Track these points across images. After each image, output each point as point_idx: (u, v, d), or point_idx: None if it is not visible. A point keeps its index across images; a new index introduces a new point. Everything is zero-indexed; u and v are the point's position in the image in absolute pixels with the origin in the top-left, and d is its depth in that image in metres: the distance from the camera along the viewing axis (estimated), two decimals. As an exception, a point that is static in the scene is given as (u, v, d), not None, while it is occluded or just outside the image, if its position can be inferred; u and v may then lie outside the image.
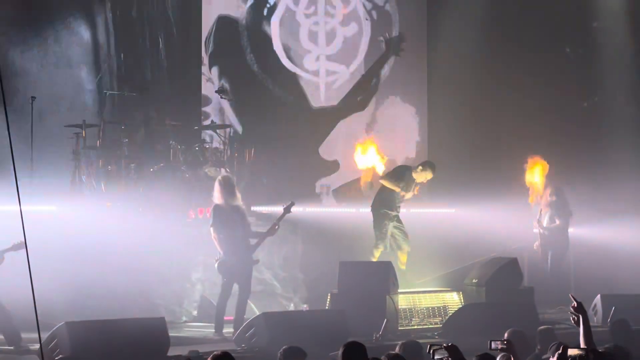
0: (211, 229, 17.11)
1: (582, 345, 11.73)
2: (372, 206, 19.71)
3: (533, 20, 24.32)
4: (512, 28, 24.33)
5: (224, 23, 23.70)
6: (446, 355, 10.47)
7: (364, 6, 25.00)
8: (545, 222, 21.86)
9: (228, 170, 20.55)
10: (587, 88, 25.21)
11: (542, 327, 14.86)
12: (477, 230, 22.42)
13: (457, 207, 23.27)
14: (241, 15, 23.88)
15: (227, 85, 21.60)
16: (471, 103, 23.91)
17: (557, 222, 21.77)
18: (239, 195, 17.29)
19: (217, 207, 17.10)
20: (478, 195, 22.92)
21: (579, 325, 11.82)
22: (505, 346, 11.29)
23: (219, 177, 17.65)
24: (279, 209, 17.83)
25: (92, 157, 20.13)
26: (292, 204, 17.66)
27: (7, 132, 9.26)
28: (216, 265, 17.21)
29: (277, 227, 17.39)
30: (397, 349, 11.23)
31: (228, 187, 17.10)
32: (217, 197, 17.14)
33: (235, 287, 17.15)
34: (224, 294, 17.14)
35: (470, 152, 23.96)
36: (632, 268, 22.09)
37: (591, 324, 18.31)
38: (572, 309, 11.31)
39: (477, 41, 24.02)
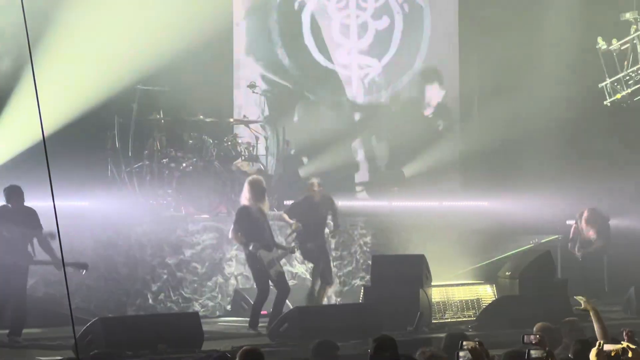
0: (231, 229, 17.17)
1: (599, 337, 11.75)
2: None
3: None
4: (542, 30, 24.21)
5: (255, 16, 23.71)
6: (469, 357, 10.48)
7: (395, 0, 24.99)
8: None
9: (262, 164, 20.60)
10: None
11: (567, 319, 14.85)
12: (509, 222, 22.43)
13: (490, 199, 23.23)
14: (272, 9, 23.87)
15: (257, 80, 21.56)
16: (504, 95, 23.80)
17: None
18: (267, 200, 17.32)
19: (242, 209, 17.09)
20: (511, 187, 22.94)
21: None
22: (538, 340, 11.30)
23: (249, 179, 17.60)
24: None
25: (126, 152, 20.15)
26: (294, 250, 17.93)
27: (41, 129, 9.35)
28: (246, 258, 17.35)
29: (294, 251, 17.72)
30: (442, 341, 11.19)
31: (257, 190, 17.08)
32: (244, 197, 17.14)
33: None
34: (259, 296, 17.18)
35: (503, 144, 23.83)
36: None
37: (625, 315, 18.51)
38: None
39: (508, 37, 23.93)
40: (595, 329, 12.40)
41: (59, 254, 15.18)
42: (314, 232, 17.55)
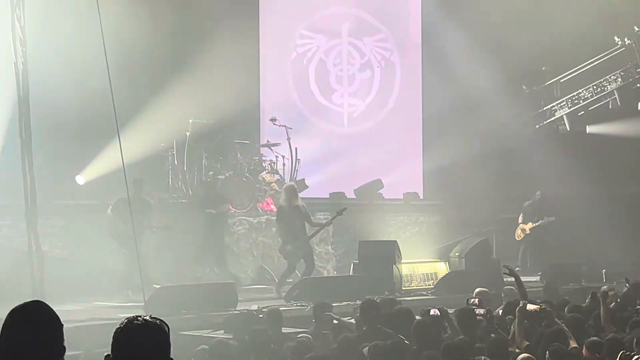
0: (277, 224, 17.30)
1: (519, 297, 11.76)
2: None
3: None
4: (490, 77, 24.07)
5: (276, 70, 23.74)
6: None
7: (375, 57, 24.96)
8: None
9: (280, 175, 20.58)
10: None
11: (506, 287, 14.85)
12: (458, 217, 22.41)
13: (444, 200, 23.18)
14: (288, 64, 23.90)
15: (277, 115, 21.56)
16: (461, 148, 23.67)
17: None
18: (299, 198, 17.35)
19: (280, 208, 17.23)
20: (460, 191, 22.93)
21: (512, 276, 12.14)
22: (478, 301, 11.34)
23: (285, 186, 17.83)
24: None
25: (182, 167, 20.14)
26: (345, 209, 17.77)
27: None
28: (279, 250, 17.36)
29: (329, 224, 17.58)
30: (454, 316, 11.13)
31: (290, 193, 17.18)
32: (281, 199, 17.27)
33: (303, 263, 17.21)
34: (287, 271, 17.18)
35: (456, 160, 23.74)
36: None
37: (541, 284, 18.42)
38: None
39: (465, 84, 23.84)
40: (517, 291, 12.41)
41: None
42: (300, 232, 17.37)
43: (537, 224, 22.48)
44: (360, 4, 24.80)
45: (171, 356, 3.98)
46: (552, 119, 25.00)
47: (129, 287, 16.24)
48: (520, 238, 22.93)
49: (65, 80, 18.20)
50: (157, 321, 3.98)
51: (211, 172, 19.91)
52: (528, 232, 22.69)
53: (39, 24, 15.56)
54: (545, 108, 25.10)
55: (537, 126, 25.12)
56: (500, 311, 13.01)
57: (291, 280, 17.40)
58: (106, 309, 15.07)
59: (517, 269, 16.98)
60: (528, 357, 8.33)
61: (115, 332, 3.95)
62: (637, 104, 24.83)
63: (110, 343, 3.95)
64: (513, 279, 12.48)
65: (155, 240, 17.95)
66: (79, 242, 17.74)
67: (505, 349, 9.59)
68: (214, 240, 18.67)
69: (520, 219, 23.00)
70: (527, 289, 12.60)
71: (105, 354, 3.93)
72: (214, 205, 18.50)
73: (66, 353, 4.22)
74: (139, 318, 3.97)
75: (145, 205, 17.46)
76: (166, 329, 3.98)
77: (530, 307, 10.81)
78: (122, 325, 3.95)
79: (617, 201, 23.49)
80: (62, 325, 4.08)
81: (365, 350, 9.19)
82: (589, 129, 25.26)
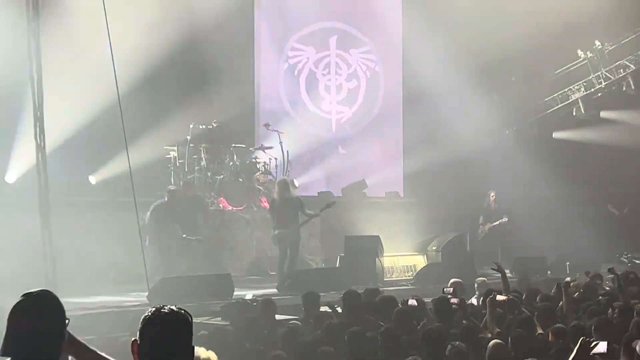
0: (269, 214, 17.26)
1: (503, 290, 11.78)
2: None
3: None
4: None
5: (269, 79, 23.71)
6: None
7: (361, 68, 24.95)
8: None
9: (273, 176, 20.54)
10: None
11: (478, 278, 14.86)
12: (436, 215, 22.40)
13: (425, 199, 23.15)
14: (280, 75, 23.89)
15: (271, 121, 21.54)
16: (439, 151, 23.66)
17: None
18: (292, 190, 17.34)
19: (272, 200, 17.21)
20: (439, 192, 22.93)
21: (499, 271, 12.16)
22: (452, 291, 11.35)
23: (278, 180, 17.84)
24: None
25: (183, 167, 20.09)
26: (334, 202, 17.74)
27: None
28: (271, 236, 17.30)
29: (319, 214, 17.51)
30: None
31: (282, 186, 17.16)
32: (274, 192, 17.28)
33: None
34: (280, 258, 17.13)
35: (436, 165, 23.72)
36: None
37: (511, 275, 18.41)
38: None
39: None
40: (502, 284, 12.45)
41: None
42: (290, 221, 17.29)
43: (494, 223, 22.28)
44: (346, 19, 24.78)
45: None
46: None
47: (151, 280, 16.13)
48: (480, 238, 22.64)
49: (76, 88, 18.15)
50: (182, 311, 3.98)
51: (209, 173, 19.87)
52: (487, 231, 22.44)
53: (53, 35, 15.57)
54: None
55: (507, 132, 25.14)
56: (475, 300, 13.04)
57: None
58: (114, 298, 15.01)
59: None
60: (498, 342, 8.31)
61: (143, 320, 3.94)
62: (599, 112, 24.91)
63: (138, 329, 3.96)
64: (484, 271, 12.50)
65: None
66: (89, 237, 17.66)
67: (476, 335, 9.59)
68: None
69: (481, 220, 22.73)
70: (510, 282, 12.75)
71: (133, 339, 3.91)
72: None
73: (82, 337, 4.23)
74: (166, 307, 3.97)
75: (176, 212, 17.48)
76: (189, 318, 3.97)
77: (499, 297, 10.85)
78: (150, 314, 3.94)
79: (581, 202, 23.53)
80: (63, 312, 4.07)
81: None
82: (555, 135, 25.32)
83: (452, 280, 13.41)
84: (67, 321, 4.17)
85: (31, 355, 3.98)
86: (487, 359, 8.11)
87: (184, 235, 17.44)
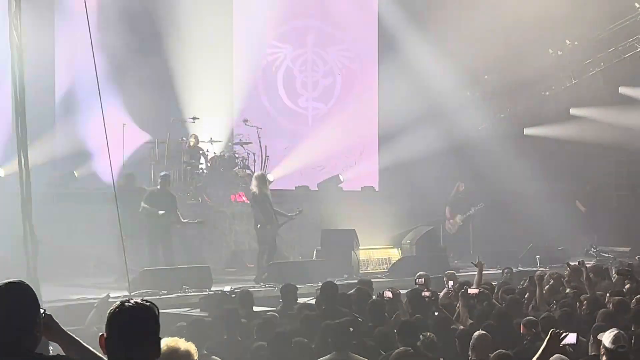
0: (252, 207, 17.16)
1: (475, 285, 11.84)
2: None
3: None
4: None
5: (248, 76, 23.70)
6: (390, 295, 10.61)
7: (337, 65, 24.98)
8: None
9: (251, 170, 20.51)
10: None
11: (448, 271, 14.90)
12: (409, 208, 22.43)
13: (399, 195, 23.17)
14: (258, 71, 23.88)
15: (249, 116, 21.50)
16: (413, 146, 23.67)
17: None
18: (268, 187, 17.25)
19: (253, 194, 17.11)
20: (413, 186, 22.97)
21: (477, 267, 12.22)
22: (423, 282, 11.44)
23: (256, 174, 17.68)
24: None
25: (163, 161, 20.03)
26: (301, 210, 17.72)
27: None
28: (255, 230, 17.23)
29: (293, 218, 17.47)
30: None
31: (260, 181, 17.05)
32: (253, 186, 17.15)
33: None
34: (260, 252, 17.08)
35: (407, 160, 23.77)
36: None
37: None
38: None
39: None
40: (475, 277, 12.51)
41: None
42: (271, 215, 17.22)
43: (468, 213, 22.21)
44: (323, 17, 24.78)
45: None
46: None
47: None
48: (454, 231, 22.43)
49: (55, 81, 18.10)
50: (148, 303, 3.99)
51: (189, 167, 19.82)
52: (461, 223, 22.30)
53: (33, 31, 15.47)
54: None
55: (479, 128, 25.19)
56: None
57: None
58: (95, 289, 14.92)
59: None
60: (482, 333, 8.34)
61: (109, 313, 3.95)
62: (569, 109, 25.05)
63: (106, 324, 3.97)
64: (457, 264, 12.52)
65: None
66: (70, 229, 17.58)
67: (448, 326, 9.64)
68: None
69: (447, 214, 22.51)
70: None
71: (100, 333, 3.93)
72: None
73: (70, 328, 4.26)
74: (131, 300, 3.98)
75: (172, 199, 17.20)
76: (156, 310, 3.97)
77: (471, 290, 10.90)
78: (115, 307, 3.95)
79: (552, 196, 23.62)
80: (35, 300, 4.15)
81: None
82: (526, 131, 25.42)
83: (418, 274, 13.49)
84: (42, 311, 4.19)
85: (4, 344, 4.01)
86: (470, 349, 8.14)
87: (185, 220, 17.31)
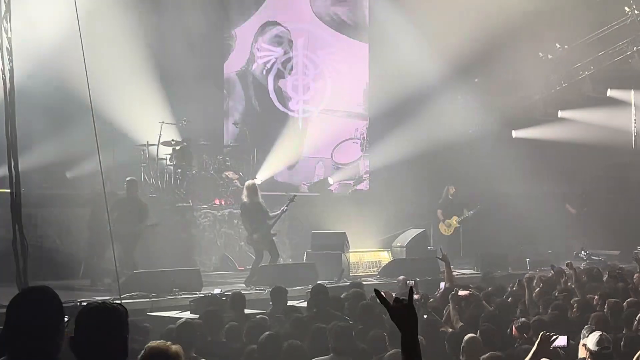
0: (242, 217, 17.08)
1: (446, 280, 11.84)
2: None
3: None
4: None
5: (239, 78, 23.71)
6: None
7: (327, 68, 24.98)
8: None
9: (241, 173, 20.49)
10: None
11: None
12: (399, 210, 22.43)
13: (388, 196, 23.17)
14: (249, 74, 23.88)
15: (239, 119, 21.50)
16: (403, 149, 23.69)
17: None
18: (260, 195, 17.15)
19: (243, 204, 17.03)
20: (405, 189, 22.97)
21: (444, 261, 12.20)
22: (414, 284, 11.40)
23: (247, 183, 17.55)
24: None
25: (153, 164, 20.01)
26: (295, 196, 17.58)
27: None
28: (247, 242, 17.19)
29: (285, 211, 17.31)
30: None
31: (251, 190, 16.97)
32: (243, 196, 17.07)
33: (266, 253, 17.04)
34: (256, 259, 17.00)
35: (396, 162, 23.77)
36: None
37: (474, 271, 18.46)
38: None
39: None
40: (445, 273, 12.47)
41: None
42: (261, 222, 17.14)
43: (465, 215, 22.13)
44: (314, 20, 24.78)
45: (138, 336, 3.96)
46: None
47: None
48: (450, 233, 22.24)
49: (47, 84, 18.05)
50: (114, 304, 4.03)
51: (179, 170, 19.79)
52: (457, 225, 22.18)
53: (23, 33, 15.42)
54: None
55: (470, 131, 25.21)
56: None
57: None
58: (85, 292, 14.88)
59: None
60: (472, 336, 8.33)
61: (77, 315, 4.01)
62: (558, 112, 25.10)
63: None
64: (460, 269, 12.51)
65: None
66: (60, 231, 17.53)
67: (437, 329, 9.63)
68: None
69: (440, 216, 22.28)
70: (466, 277, 12.75)
71: (69, 335, 3.92)
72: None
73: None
74: (97, 302, 4.06)
75: (140, 205, 16.95)
76: (123, 311, 4.01)
77: (461, 292, 10.89)
78: (82, 309, 4.03)
79: (542, 198, 23.64)
80: (61, 308, 4.07)
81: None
82: (515, 134, 25.45)
83: (400, 277, 13.51)
84: (66, 319, 4.15)
85: (27, 350, 3.95)
86: (461, 352, 8.14)
87: (149, 224, 17.01)
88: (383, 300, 3.86)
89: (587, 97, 24.42)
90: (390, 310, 3.74)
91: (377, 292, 4.16)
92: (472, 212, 22.04)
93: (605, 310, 10.22)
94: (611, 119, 23.90)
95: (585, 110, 24.60)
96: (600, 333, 7.35)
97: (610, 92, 24.11)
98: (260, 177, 21.20)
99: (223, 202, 19.87)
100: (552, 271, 14.57)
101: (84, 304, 4.08)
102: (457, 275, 15.49)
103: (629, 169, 25.08)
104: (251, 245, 17.18)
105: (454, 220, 22.08)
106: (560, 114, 25.04)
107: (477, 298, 11.24)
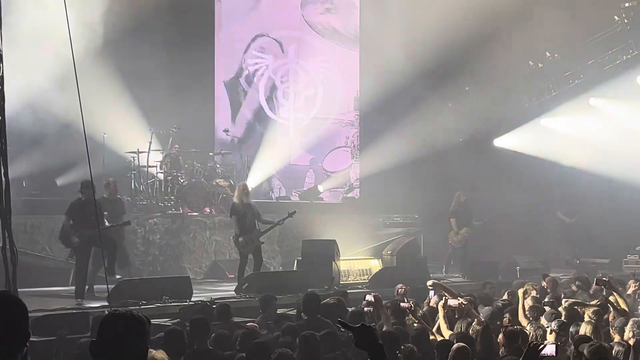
0: (231, 218, 16.99)
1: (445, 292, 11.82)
2: None
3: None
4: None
5: (229, 85, 23.73)
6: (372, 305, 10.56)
7: (318, 75, 25.03)
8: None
9: (232, 180, 20.49)
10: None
11: (430, 281, 14.87)
12: (390, 218, 22.44)
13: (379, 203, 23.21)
14: (240, 81, 23.90)
15: (229, 127, 21.53)
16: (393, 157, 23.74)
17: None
18: (250, 196, 17.14)
19: (233, 204, 16.97)
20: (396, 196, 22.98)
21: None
22: (404, 291, 11.45)
23: (239, 184, 17.55)
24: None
25: (144, 172, 20.00)
26: (295, 212, 17.49)
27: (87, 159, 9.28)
28: (233, 241, 17.09)
29: (281, 223, 17.26)
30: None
31: (242, 191, 16.94)
32: (235, 196, 17.03)
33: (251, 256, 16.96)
34: (241, 263, 16.94)
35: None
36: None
37: (463, 279, 18.44)
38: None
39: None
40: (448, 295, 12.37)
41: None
42: (253, 226, 17.11)
43: (476, 225, 21.46)
44: (305, 28, 24.83)
45: None
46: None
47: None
48: (461, 244, 21.24)
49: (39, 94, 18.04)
50: (138, 314, 4.07)
51: (169, 177, 19.79)
52: (467, 234, 21.22)
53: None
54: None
55: (460, 139, 25.28)
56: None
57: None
58: (74, 299, 14.84)
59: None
60: (461, 345, 8.33)
61: (101, 321, 4.04)
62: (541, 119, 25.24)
63: (96, 330, 4.02)
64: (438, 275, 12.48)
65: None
66: (49, 238, 17.50)
67: (427, 337, 9.63)
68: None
69: (454, 225, 21.26)
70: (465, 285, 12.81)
71: (92, 339, 3.97)
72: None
73: (41, 338, 4.20)
74: (121, 310, 4.08)
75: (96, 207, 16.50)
76: (145, 321, 4.07)
77: (451, 302, 10.89)
78: (107, 316, 4.06)
79: (532, 208, 23.71)
80: (27, 312, 4.07)
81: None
82: (496, 142, 25.48)
83: (398, 286, 13.51)
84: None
85: None
86: (450, 361, 8.15)
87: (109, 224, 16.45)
88: (348, 327, 3.97)
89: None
90: (356, 337, 3.85)
91: (341, 322, 4.30)
92: (479, 223, 21.67)
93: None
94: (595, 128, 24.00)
95: (569, 117, 24.69)
96: (599, 343, 7.36)
97: (591, 101, 24.17)
98: (251, 185, 21.18)
99: (214, 210, 19.88)
100: (544, 280, 14.60)
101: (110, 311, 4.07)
102: (449, 285, 15.50)
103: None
104: (237, 247, 17.13)
105: (465, 231, 21.49)
106: (542, 122, 24.90)
107: (466, 307, 11.22)
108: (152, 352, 4.82)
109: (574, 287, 14.27)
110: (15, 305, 4.08)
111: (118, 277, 15.41)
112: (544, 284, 14.58)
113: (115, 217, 16.27)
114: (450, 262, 21.44)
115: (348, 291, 14.26)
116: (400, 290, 12.60)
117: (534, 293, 12.98)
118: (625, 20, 22.83)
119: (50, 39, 16.42)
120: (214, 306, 12.63)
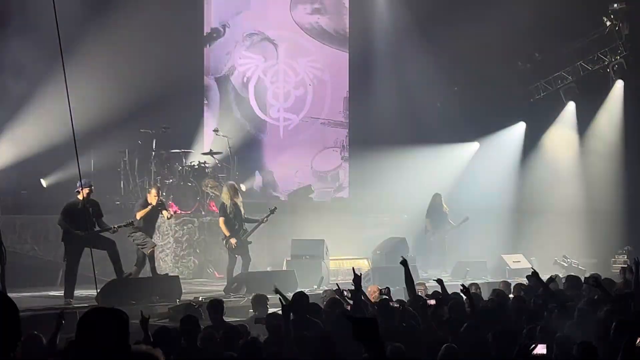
0: (220, 219, 16.87)
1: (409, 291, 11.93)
2: None
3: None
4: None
5: (219, 86, 23.69)
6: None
7: (308, 76, 24.96)
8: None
9: (221, 181, 20.43)
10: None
11: (418, 282, 14.88)
12: (379, 217, 22.43)
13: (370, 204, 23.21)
14: (229, 81, 23.86)
15: (219, 127, 21.47)
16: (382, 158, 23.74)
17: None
18: (240, 196, 17.08)
19: (222, 204, 16.87)
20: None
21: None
22: (387, 290, 11.48)
23: (227, 183, 17.45)
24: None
25: (133, 172, 19.95)
26: (275, 208, 17.37)
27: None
28: (223, 242, 17.00)
29: (265, 221, 17.13)
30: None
31: (232, 190, 16.85)
32: (224, 197, 16.92)
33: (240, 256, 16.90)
34: (229, 263, 16.87)
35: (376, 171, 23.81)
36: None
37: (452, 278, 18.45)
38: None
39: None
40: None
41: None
42: (241, 226, 17.03)
43: (454, 225, 21.63)
44: (294, 28, 24.79)
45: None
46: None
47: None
48: (438, 244, 21.63)
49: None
50: (116, 310, 4.07)
51: (159, 177, 19.73)
52: (445, 235, 21.63)
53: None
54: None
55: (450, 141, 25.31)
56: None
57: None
58: (62, 299, 14.77)
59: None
60: (449, 345, 8.31)
61: (79, 319, 4.03)
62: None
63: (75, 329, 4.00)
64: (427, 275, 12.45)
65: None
66: (37, 238, 17.44)
67: (414, 336, 9.60)
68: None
69: (428, 226, 21.78)
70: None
71: (69, 339, 3.94)
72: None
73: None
74: (100, 308, 4.11)
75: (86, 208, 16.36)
76: (125, 317, 4.06)
77: (430, 302, 10.99)
78: (85, 313, 4.05)
79: (521, 208, 23.75)
80: (17, 311, 4.03)
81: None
82: (492, 142, 25.52)
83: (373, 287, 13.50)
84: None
85: None
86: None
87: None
88: (350, 319, 4.07)
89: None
90: (355, 329, 3.83)
91: (343, 313, 4.29)
92: (458, 223, 21.68)
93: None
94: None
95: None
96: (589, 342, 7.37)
97: (569, 105, 24.33)
98: (240, 185, 21.13)
99: (212, 208, 19.80)
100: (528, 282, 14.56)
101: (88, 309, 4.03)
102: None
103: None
104: (227, 247, 17.06)
105: (442, 232, 21.56)
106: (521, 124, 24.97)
107: (457, 306, 11.19)
108: (151, 349, 4.76)
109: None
110: (6, 304, 4.04)
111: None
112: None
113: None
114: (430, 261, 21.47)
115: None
116: (384, 290, 12.58)
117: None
118: (615, 22, 22.89)
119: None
120: (200, 307, 12.57)
